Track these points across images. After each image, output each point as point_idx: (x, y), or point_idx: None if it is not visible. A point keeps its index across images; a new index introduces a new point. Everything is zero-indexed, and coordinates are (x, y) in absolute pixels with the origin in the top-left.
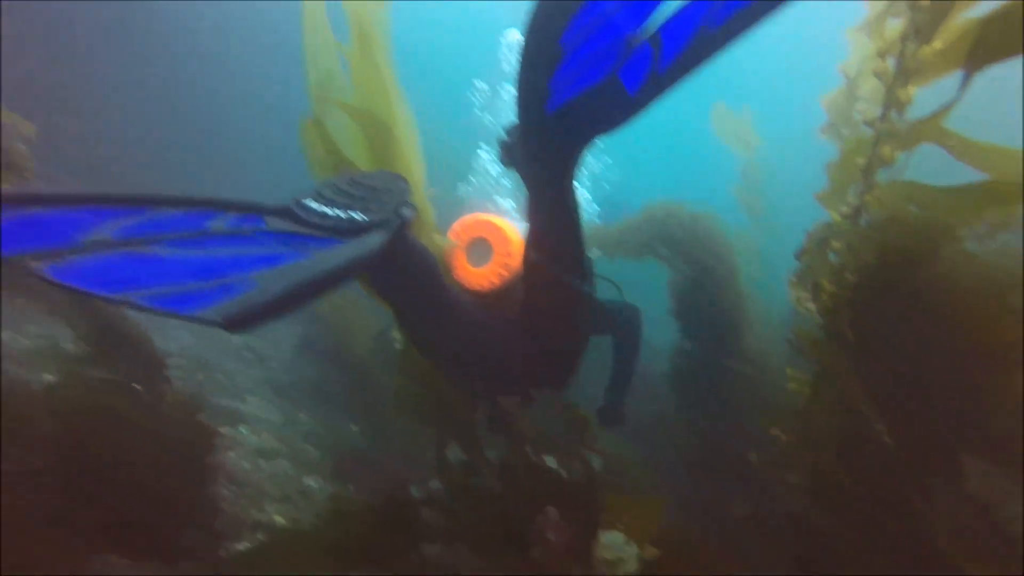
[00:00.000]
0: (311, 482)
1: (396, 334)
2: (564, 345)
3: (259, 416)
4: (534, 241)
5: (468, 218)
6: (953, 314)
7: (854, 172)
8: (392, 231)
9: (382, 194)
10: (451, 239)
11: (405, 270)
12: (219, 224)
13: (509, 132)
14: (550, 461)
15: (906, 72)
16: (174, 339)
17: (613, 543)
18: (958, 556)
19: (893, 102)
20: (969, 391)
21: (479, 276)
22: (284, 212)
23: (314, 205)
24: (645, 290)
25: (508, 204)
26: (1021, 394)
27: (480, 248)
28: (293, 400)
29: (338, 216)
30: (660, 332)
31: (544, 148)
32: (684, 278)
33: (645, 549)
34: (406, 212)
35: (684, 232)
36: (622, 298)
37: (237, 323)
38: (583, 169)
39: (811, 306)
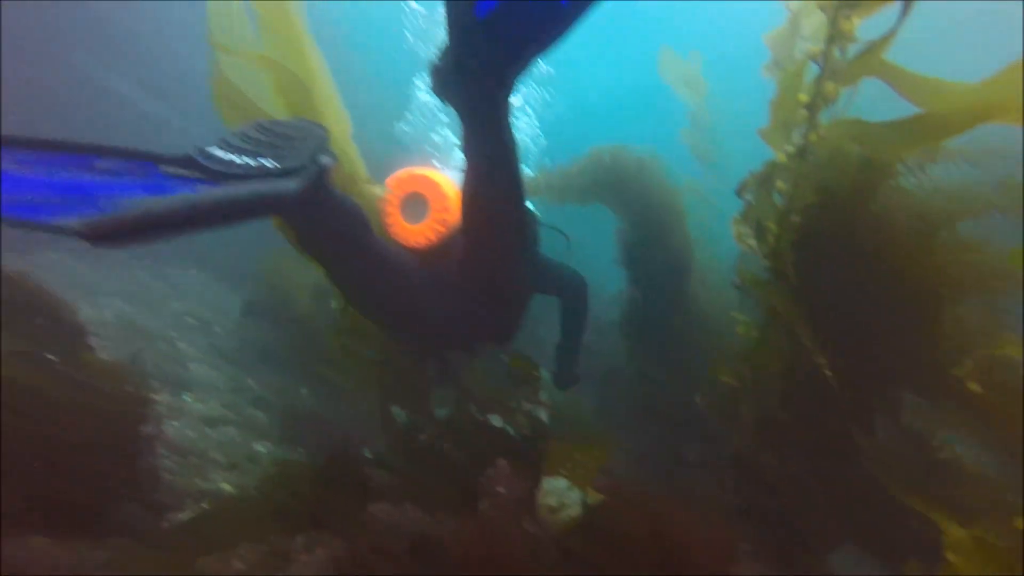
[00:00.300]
0: (260, 447)
1: (333, 293)
2: (504, 299)
3: (204, 383)
4: (470, 180)
5: (402, 173)
6: (889, 251)
7: (795, 108)
8: (308, 178)
9: (297, 141)
10: (385, 195)
11: (329, 224)
12: (107, 164)
13: (440, 54)
14: (495, 420)
15: (849, 2)
16: (108, 307)
17: (555, 489)
18: (895, 486)
19: (836, 35)
20: (903, 326)
21: (416, 233)
22: (184, 161)
23: (219, 153)
24: (593, 237)
25: (446, 139)
26: (953, 327)
27: (416, 204)
28: (240, 365)
29: (247, 164)
30: (609, 281)
31: (475, 59)
32: (632, 226)
33: (589, 494)
34: (325, 160)
35: (630, 177)
36: (569, 249)
37: (99, 233)
38: (531, 114)
39: (752, 242)
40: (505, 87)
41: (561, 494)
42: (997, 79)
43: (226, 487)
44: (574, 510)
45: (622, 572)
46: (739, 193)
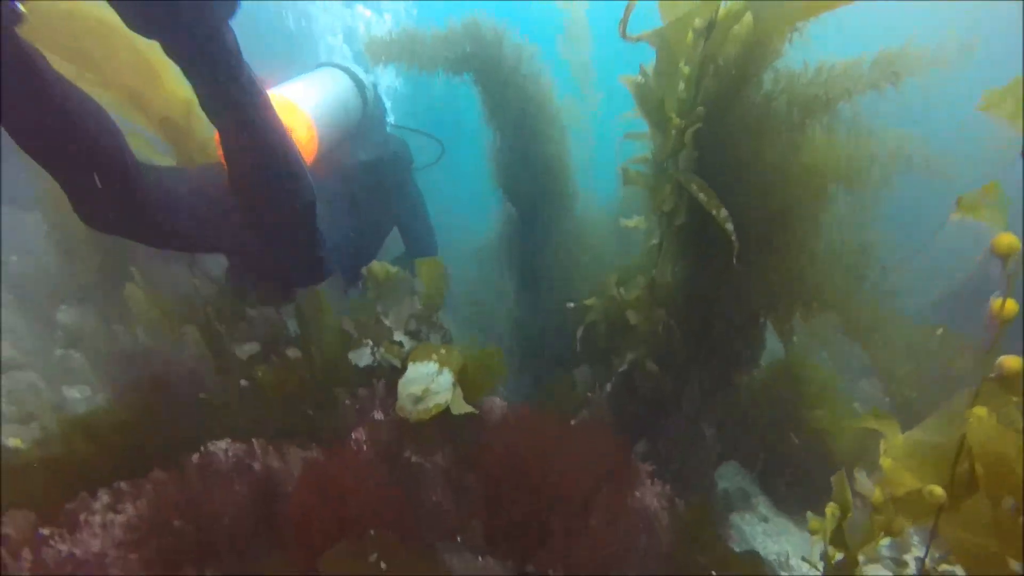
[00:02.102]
0: (75, 393)
1: None
2: (294, 246)
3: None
4: (223, 138)
5: None
6: (770, 140)
7: None
8: None
9: None
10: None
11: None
12: None
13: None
14: (354, 356)
15: None
16: None
17: (420, 375)
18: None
19: None
20: (781, 220)
21: None
22: None
23: None
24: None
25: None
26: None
27: None
28: (44, 302)
29: None
30: (484, 202)
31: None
32: (505, 142)
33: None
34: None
35: (497, 51)
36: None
37: None
38: None
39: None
40: (215, 38)
41: (427, 379)
42: None
43: (15, 442)
44: (442, 396)
45: (512, 498)
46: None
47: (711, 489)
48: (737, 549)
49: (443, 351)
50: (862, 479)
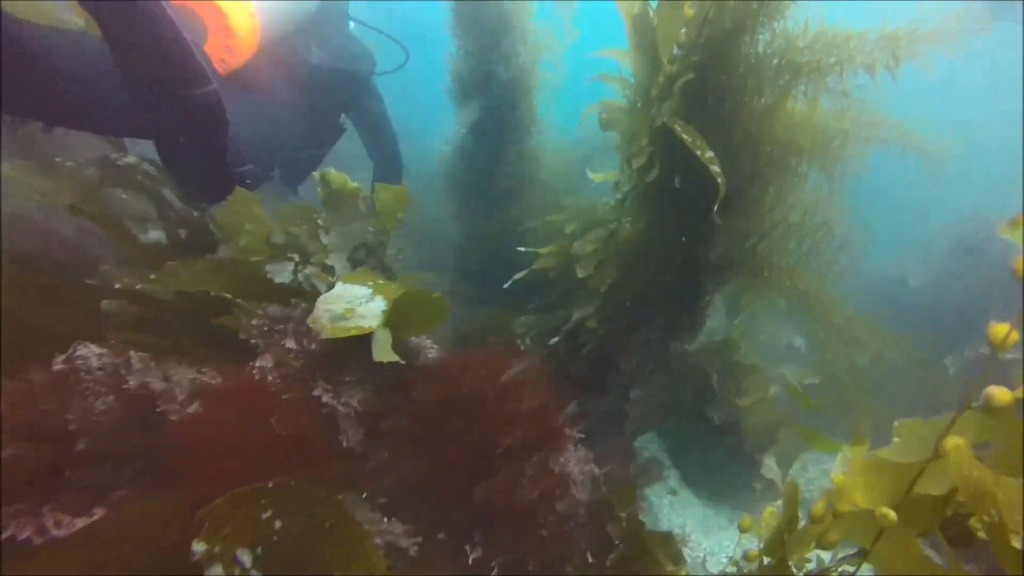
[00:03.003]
0: None
1: None
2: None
3: None
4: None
5: None
6: (753, 103)
7: None
8: None
9: None
10: None
11: None
12: None
13: None
14: (272, 270)
15: None
16: None
17: (346, 294)
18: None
19: None
20: (749, 185)
21: None
22: None
23: None
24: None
25: None
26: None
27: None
28: None
29: None
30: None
31: None
32: (468, 57)
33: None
34: None
35: None
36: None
37: None
38: None
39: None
40: None
41: (354, 301)
42: None
43: None
44: (368, 322)
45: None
46: None
47: (632, 460)
48: (644, 519)
49: (380, 281)
50: (771, 465)
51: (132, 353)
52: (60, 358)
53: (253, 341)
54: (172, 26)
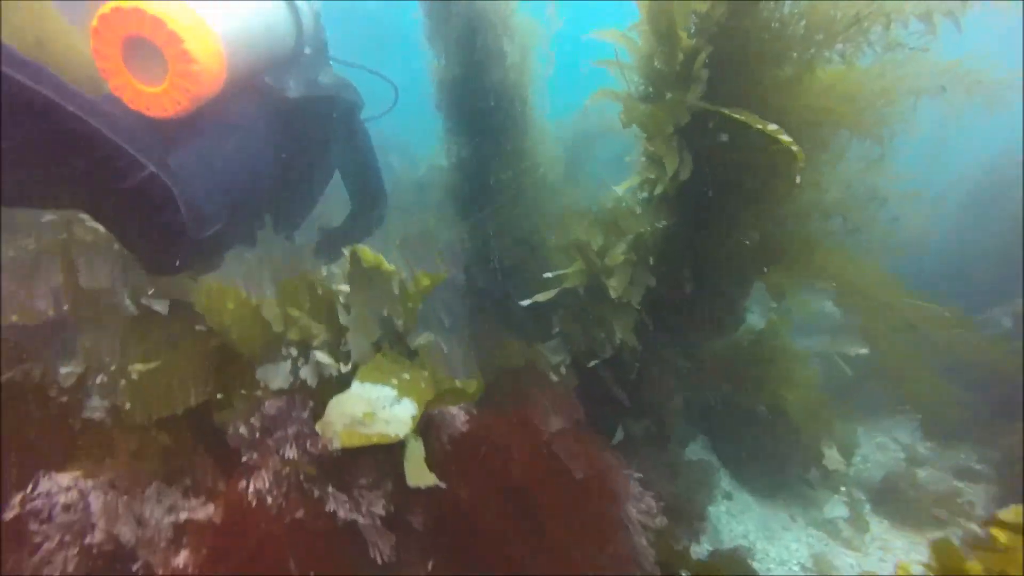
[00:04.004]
0: None
1: None
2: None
3: None
4: None
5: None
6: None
7: None
8: None
9: None
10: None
11: None
12: None
13: None
14: (264, 373)
15: None
16: None
17: (371, 396)
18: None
19: None
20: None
21: (152, 98)
22: None
23: None
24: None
25: None
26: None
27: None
28: None
29: None
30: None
31: None
32: (450, 65)
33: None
34: None
35: None
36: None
37: None
38: None
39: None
40: None
41: (377, 403)
42: None
43: None
44: (393, 428)
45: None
46: None
47: (683, 473)
48: (704, 535)
49: (408, 374)
50: (832, 455)
51: (92, 497)
52: (16, 499)
53: (244, 456)
54: (78, 120)
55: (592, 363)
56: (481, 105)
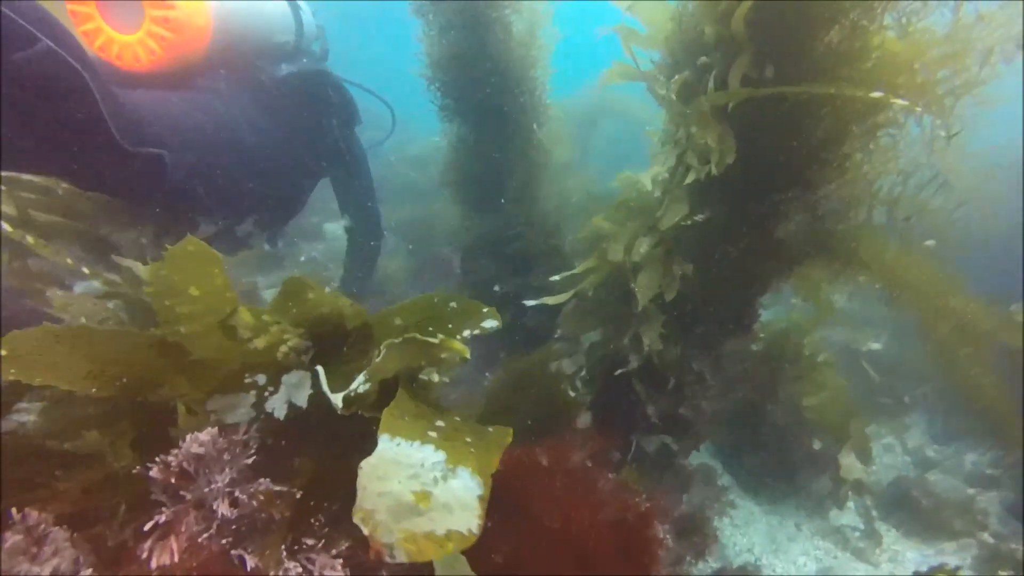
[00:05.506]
0: None
1: None
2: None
3: None
4: None
5: None
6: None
7: None
8: None
9: None
10: None
11: None
12: None
13: None
14: (219, 404)
15: None
16: None
17: (404, 459)
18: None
19: None
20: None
21: (125, 46)
22: None
23: None
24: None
25: None
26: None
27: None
28: None
29: None
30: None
31: None
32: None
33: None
34: None
35: None
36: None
37: None
38: None
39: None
40: None
41: (426, 472)
42: None
43: None
44: (459, 520)
45: None
46: None
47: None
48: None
49: (443, 422)
50: (850, 465)
51: None
52: None
53: (159, 515)
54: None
55: (618, 372)
56: (484, 82)
